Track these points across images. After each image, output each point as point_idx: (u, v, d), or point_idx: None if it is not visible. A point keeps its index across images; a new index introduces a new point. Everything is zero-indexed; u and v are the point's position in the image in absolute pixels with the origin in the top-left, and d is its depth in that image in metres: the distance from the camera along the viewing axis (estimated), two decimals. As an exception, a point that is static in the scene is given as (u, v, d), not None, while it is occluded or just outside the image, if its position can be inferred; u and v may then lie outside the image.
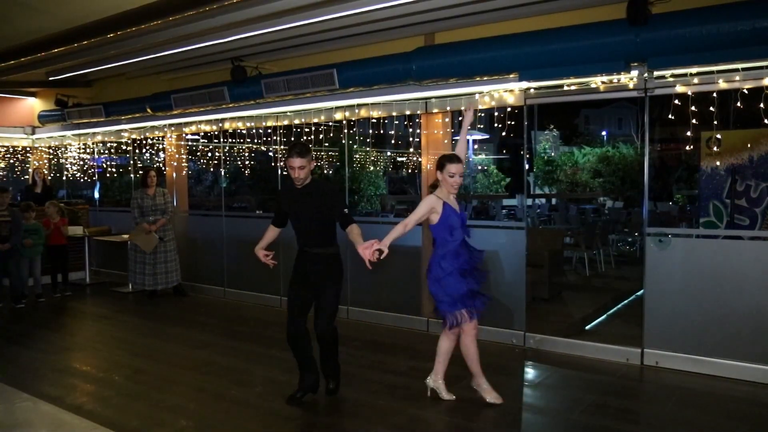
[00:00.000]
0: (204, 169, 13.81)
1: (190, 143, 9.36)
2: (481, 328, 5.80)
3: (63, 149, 10.60)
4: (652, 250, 5.00)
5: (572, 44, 4.83)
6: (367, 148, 13.59)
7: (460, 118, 7.35)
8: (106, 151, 10.17)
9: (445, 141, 6.34)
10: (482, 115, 6.02)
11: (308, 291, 4.17)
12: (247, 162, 10.76)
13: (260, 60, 7.10)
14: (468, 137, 18.82)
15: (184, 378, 4.84)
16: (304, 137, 7.39)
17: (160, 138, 9.06)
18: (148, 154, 9.75)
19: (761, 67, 4.45)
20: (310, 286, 4.16)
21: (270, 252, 4.31)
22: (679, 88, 4.76)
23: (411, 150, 12.02)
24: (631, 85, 4.97)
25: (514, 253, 5.66)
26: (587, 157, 18.35)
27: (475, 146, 20.13)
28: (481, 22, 5.61)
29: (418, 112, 6.21)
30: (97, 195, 10.40)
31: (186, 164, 9.12)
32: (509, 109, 5.65)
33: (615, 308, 6.92)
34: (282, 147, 7.83)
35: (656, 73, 4.81)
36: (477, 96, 5.73)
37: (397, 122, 6.59)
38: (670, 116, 4.81)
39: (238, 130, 7.87)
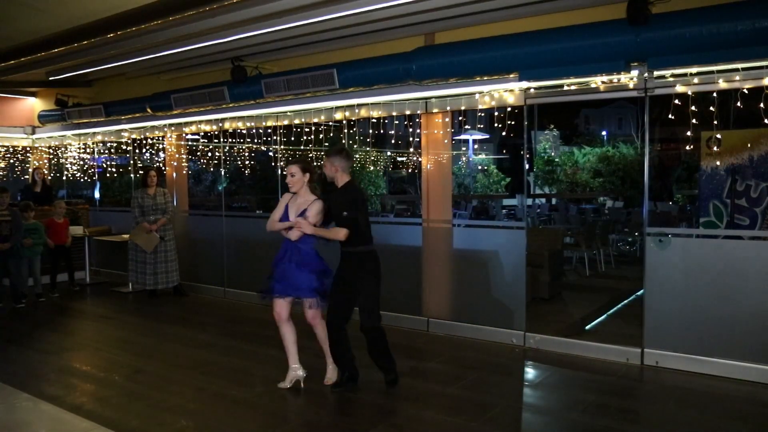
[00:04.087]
0: (204, 169, 13.81)
1: (190, 143, 9.36)
2: (481, 327, 5.86)
3: (63, 149, 10.60)
4: (652, 250, 5.00)
5: (572, 44, 4.83)
6: (367, 148, 13.59)
7: (461, 118, 7.40)
8: (106, 151, 10.17)
9: (445, 141, 6.35)
10: (482, 115, 6.03)
11: (346, 288, 4.39)
12: (247, 162, 10.75)
13: (260, 60, 7.10)
14: (469, 137, 18.51)
15: (184, 378, 4.84)
16: (304, 137, 7.40)
17: (160, 138, 9.06)
18: (148, 154, 9.74)
19: (761, 67, 4.45)
20: (347, 284, 4.39)
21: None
22: (679, 88, 4.76)
23: (411, 150, 12.02)
24: (631, 85, 4.97)
25: (514, 253, 5.66)
26: (587, 157, 18.35)
27: (475, 146, 20.14)
28: (481, 22, 5.61)
29: (418, 112, 6.21)
30: (97, 195, 10.40)
31: (186, 164, 9.13)
32: (509, 109, 5.64)
33: (615, 308, 6.92)
34: (282, 147, 7.83)
35: (656, 73, 4.81)
36: (477, 96, 5.74)
37: (397, 122, 6.59)
38: (670, 116, 4.81)
39: (238, 130, 7.87)
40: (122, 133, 9.23)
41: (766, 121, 4.41)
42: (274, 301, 4.40)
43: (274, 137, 7.61)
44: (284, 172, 4.67)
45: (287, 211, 4.42)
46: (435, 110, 6.12)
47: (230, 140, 8.55)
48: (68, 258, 8.45)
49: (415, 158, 12.75)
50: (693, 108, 4.76)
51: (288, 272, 4.35)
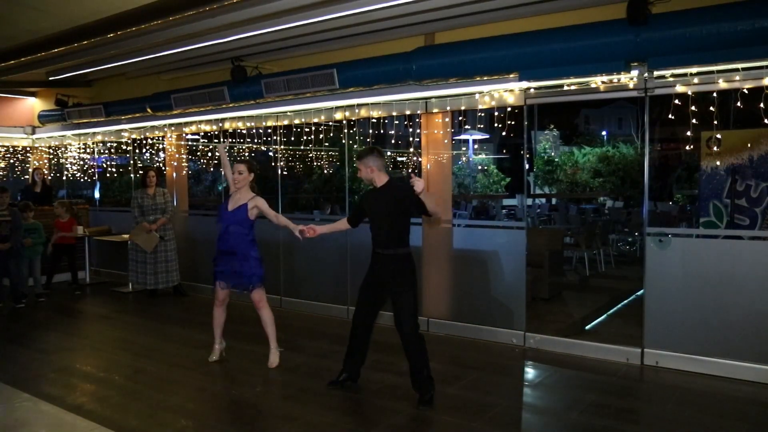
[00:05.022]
0: (204, 169, 13.79)
1: (190, 143, 9.36)
2: (481, 327, 5.86)
3: (63, 149, 10.60)
4: (652, 250, 5.00)
5: (572, 44, 4.83)
6: (367, 148, 13.55)
7: (461, 118, 7.40)
8: (106, 151, 10.17)
9: (445, 141, 6.34)
10: (482, 115, 6.03)
11: (378, 291, 4.32)
12: (247, 162, 10.75)
13: (260, 60, 7.10)
14: (469, 137, 18.45)
15: (184, 378, 4.84)
16: (304, 137, 7.40)
17: (160, 138, 9.06)
18: (148, 154, 9.74)
19: (761, 67, 4.45)
20: (382, 287, 4.28)
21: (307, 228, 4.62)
22: (679, 88, 4.76)
23: (411, 150, 12.02)
24: (631, 85, 4.97)
25: (514, 253, 5.66)
26: (587, 157, 18.35)
27: (476, 146, 20.13)
28: (481, 22, 5.61)
29: (418, 112, 6.21)
30: (97, 195, 10.40)
31: (186, 164, 9.13)
32: (509, 109, 5.65)
33: (615, 308, 6.92)
34: (282, 147, 7.83)
35: (656, 73, 4.81)
36: (477, 96, 5.74)
37: (397, 122, 6.59)
38: (670, 116, 4.81)
39: (238, 130, 7.87)
40: (122, 133, 9.23)
41: (766, 121, 4.41)
42: (220, 290, 5.30)
43: (274, 137, 7.61)
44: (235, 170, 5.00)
45: (227, 204, 5.06)
46: (435, 110, 6.12)
47: (230, 140, 8.56)
48: (72, 257, 8.51)
49: (415, 158, 12.75)
50: (693, 108, 4.76)
51: (236, 265, 5.09)
